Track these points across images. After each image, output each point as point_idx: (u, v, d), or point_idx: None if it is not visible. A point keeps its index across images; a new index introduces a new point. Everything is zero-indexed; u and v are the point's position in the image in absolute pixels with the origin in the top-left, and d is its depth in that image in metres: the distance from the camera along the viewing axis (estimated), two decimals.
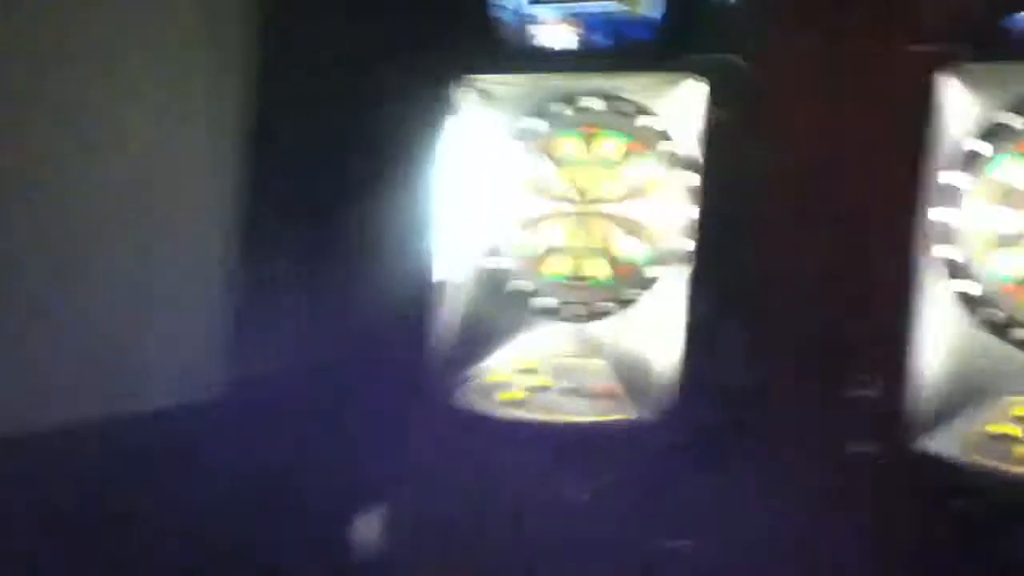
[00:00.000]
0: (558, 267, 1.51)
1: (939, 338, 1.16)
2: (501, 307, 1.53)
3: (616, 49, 1.39)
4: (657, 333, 1.37)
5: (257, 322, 1.64)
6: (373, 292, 1.63)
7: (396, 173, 1.58)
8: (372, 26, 1.57)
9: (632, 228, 1.45)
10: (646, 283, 1.43)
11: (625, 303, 1.44)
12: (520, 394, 1.41)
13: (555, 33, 1.43)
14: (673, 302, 1.36)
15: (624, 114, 1.46)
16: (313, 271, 1.73)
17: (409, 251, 1.56)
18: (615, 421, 1.32)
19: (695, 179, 1.37)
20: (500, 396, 1.42)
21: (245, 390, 1.64)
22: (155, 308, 1.53)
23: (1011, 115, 1.21)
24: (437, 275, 1.54)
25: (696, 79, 1.36)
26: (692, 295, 1.33)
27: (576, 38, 1.42)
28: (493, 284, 1.55)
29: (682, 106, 1.39)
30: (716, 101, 1.35)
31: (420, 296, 1.54)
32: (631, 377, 1.37)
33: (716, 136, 1.35)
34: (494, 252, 1.56)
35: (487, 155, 1.55)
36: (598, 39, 1.39)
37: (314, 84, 1.63)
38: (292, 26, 1.61)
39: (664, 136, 1.42)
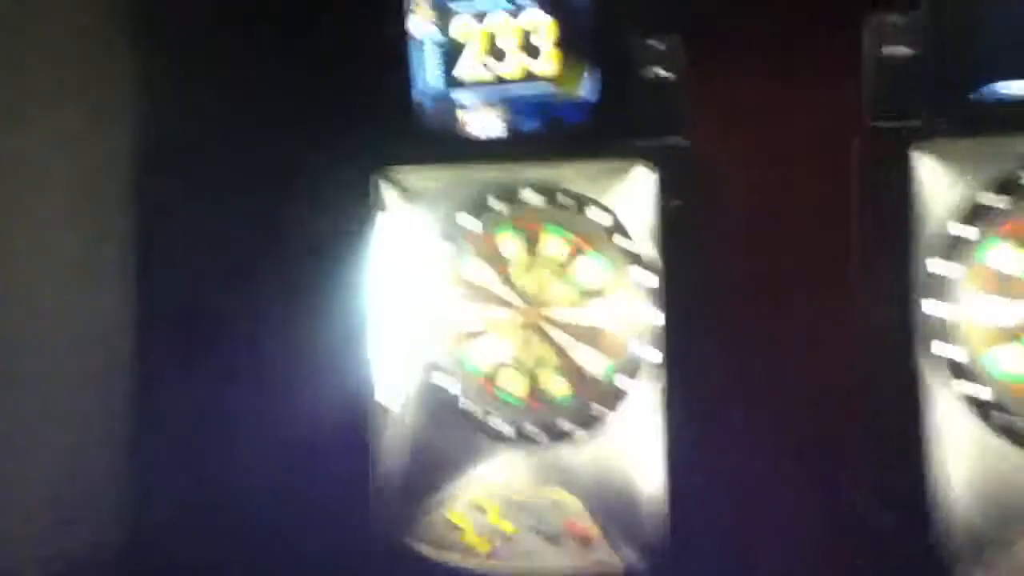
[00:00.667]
0: (510, 384, 1.33)
1: (953, 451, 1.03)
2: (451, 431, 1.34)
3: (549, 135, 1.21)
4: (633, 457, 1.21)
5: (169, 457, 1.39)
6: (304, 416, 1.40)
7: (321, 278, 1.36)
8: (283, 116, 1.35)
9: (590, 336, 1.28)
10: (613, 398, 1.26)
11: (591, 423, 1.27)
12: (480, 540, 1.22)
13: (480, 119, 1.25)
14: (647, 418, 1.19)
15: (565, 208, 1.28)
16: (231, 394, 1.47)
17: (342, 368, 1.35)
18: (599, 572, 1.14)
19: (653, 277, 1.20)
20: (458, 539, 1.23)
21: (156, 534, 1.38)
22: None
23: (992, 195, 1.10)
24: (376, 394, 1.33)
25: (645, 165, 1.20)
26: (668, 408, 1.16)
27: (503, 124, 1.24)
28: (440, 405, 1.35)
29: (631, 196, 1.22)
30: (667, 188, 1.19)
31: (358, 419, 1.33)
32: (609, 513, 1.20)
33: (672, 227, 1.19)
34: (437, 368, 1.36)
35: (419, 256, 1.36)
36: (528, 124, 1.21)
37: (224, 178, 1.38)
38: (192, 114, 1.36)
39: (613, 230, 1.26)
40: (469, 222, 1.35)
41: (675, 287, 1.18)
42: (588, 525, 1.20)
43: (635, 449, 1.21)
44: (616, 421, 1.26)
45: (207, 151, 1.36)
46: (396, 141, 1.26)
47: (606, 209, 1.26)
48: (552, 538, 1.19)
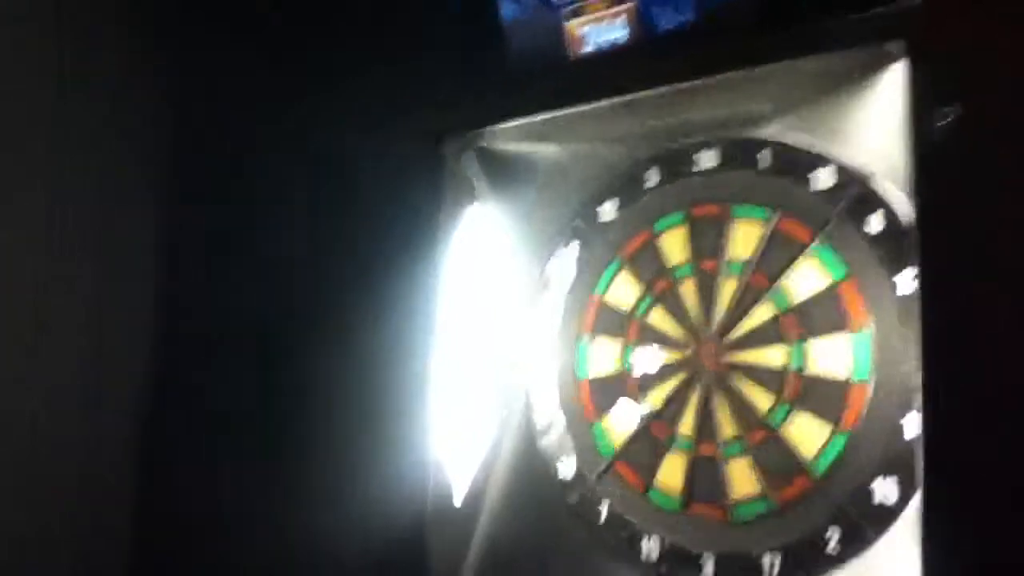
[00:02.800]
0: (672, 477, 0.78)
1: None
2: (556, 548, 0.82)
3: (711, 31, 0.69)
4: None
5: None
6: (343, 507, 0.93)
7: (374, 312, 0.93)
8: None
9: (807, 395, 0.71)
10: (865, 515, 0.66)
11: (813, 558, 0.68)
12: None
13: (599, 25, 0.76)
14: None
15: (769, 171, 0.74)
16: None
17: (397, 433, 0.90)
18: None
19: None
20: None
21: None
22: None
23: None
24: (441, 475, 0.87)
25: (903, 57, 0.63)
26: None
27: (631, 26, 0.74)
28: (541, 502, 0.84)
29: (879, 120, 0.65)
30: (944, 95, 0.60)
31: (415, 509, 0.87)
32: None
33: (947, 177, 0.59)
34: (544, 442, 0.86)
35: (527, 270, 0.89)
36: (673, 18, 0.70)
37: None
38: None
39: (856, 202, 0.69)
40: (608, 212, 0.85)
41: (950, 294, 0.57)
42: None
43: None
44: (860, 564, 0.65)
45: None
46: (480, 86, 0.82)
47: (839, 166, 0.70)
48: None
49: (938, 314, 0.57)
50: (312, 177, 0.88)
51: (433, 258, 0.90)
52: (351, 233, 0.88)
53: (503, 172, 0.87)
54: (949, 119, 0.55)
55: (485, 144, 0.86)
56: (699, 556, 0.75)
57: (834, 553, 0.67)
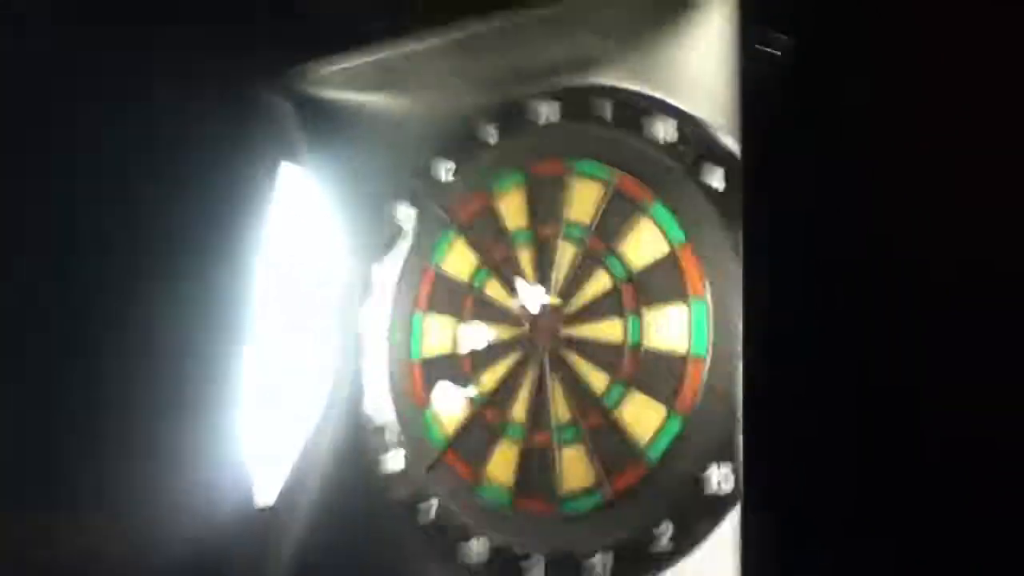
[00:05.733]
0: (501, 469, 0.69)
1: None
2: (382, 550, 0.72)
3: None
4: None
5: None
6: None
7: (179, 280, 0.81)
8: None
9: (643, 372, 0.63)
10: (699, 508, 0.58)
11: (637, 555, 0.60)
12: None
13: None
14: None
15: (609, 122, 0.67)
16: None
17: (202, 425, 0.79)
18: None
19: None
20: None
21: None
22: None
23: None
24: (251, 470, 0.76)
25: None
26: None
27: None
28: (367, 502, 0.74)
29: (719, 67, 0.58)
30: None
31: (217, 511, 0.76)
32: None
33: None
34: (369, 431, 0.76)
35: (351, 236, 0.79)
36: None
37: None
38: None
39: (699, 156, 0.62)
40: (445, 172, 0.76)
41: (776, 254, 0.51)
42: None
43: None
44: (694, 561, 0.58)
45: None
46: (294, 25, 0.72)
47: (680, 117, 0.63)
48: None
49: (760, 277, 0.50)
50: (114, 133, 0.76)
51: (247, 225, 0.79)
52: (157, 194, 0.77)
53: (326, 124, 0.77)
54: (778, 52, 0.48)
55: (304, 91, 0.75)
56: (527, 557, 0.66)
57: (666, 550, 0.59)
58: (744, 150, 0.52)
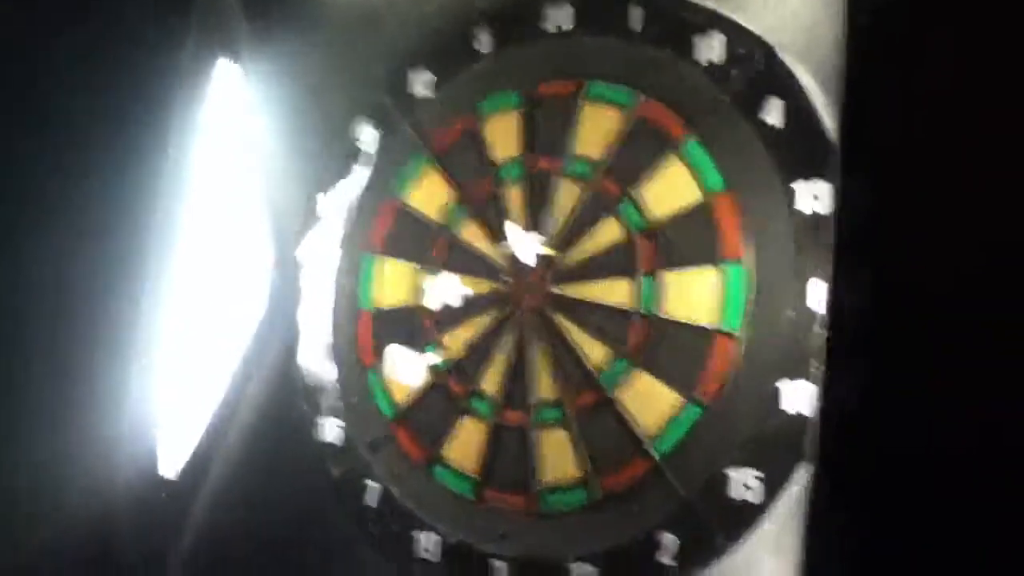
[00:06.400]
0: (463, 451, 0.57)
1: None
2: (306, 531, 0.59)
3: None
4: None
5: None
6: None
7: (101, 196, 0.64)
8: None
9: (656, 346, 0.51)
10: (690, 511, 0.47)
11: (637, 565, 0.49)
12: None
13: None
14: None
15: (636, 41, 0.54)
16: None
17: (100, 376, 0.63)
18: None
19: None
20: None
21: None
22: None
23: None
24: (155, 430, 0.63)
25: None
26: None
27: None
28: (296, 470, 0.61)
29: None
30: None
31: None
32: None
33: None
34: (307, 393, 0.63)
35: (287, 163, 0.65)
36: None
37: None
38: None
39: (746, 87, 0.50)
40: (422, 84, 0.62)
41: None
42: None
43: None
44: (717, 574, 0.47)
45: None
46: None
47: (732, 33, 0.51)
48: None
49: (860, 239, 0.38)
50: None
51: (170, 131, 0.63)
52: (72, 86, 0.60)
53: (276, 16, 0.62)
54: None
55: None
56: (490, 559, 0.54)
57: (671, 564, 0.48)
58: (848, 80, 0.40)
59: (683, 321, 0.50)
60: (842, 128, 0.42)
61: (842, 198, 0.40)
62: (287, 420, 0.64)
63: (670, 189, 0.52)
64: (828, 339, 0.39)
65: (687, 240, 0.51)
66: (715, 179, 0.50)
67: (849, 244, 0.39)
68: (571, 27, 0.56)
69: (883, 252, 0.38)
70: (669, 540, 0.49)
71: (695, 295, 0.50)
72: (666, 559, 0.48)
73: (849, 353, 0.38)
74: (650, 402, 0.51)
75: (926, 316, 0.36)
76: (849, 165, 0.40)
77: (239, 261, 0.67)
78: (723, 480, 0.48)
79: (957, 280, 0.36)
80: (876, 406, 0.37)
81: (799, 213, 0.47)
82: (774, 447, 0.46)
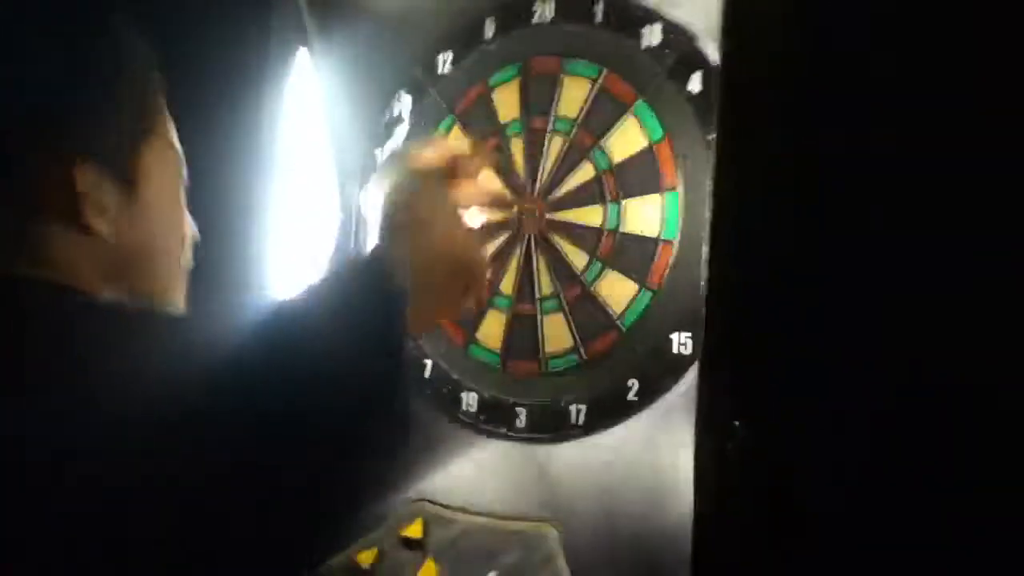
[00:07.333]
0: (496, 333, 0.79)
1: None
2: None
3: None
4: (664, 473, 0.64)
5: None
6: None
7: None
8: None
9: (618, 252, 0.72)
10: (645, 365, 0.69)
11: (613, 408, 0.71)
12: None
13: None
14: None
15: (602, 26, 0.73)
16: None
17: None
18: None
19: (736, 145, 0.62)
20: None
21: None
22: None
23: None
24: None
25: None
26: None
27: None
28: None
29: None
30: None
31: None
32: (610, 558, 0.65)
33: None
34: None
35: (354, 123, 0.86)
36: None
37: None
38: None
39: (680, 62, 0.69)
40: (445, 64, 0.82)
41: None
42: None
43: (671, 460, 0.65)
44: (656, 411, 0.69)
45: None
46: None
47: (666, 23, 0.69)
48: None
49: (730, 174, 0.58)
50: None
51: (262, 104, 0.84)
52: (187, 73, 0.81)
53: (337, 16, 0.82)
54: None
55: None
56: (515, 407, 0.77)
57: (633, 401, 0.71)
58: (724, 57, 0.59)
59: (638, 234, 0.71)
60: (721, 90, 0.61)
61: (720, 142, 0.60)
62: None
63: (626, 139, 0.72)
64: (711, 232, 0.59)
65: (639, 176, 0.71)
66: (657, 131, 0.70)
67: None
68: (551, 17, 0.75)
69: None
70: (633, 384, 0.71)
71: (645, 215, 0.71)
72: (631, 397, 0.71)
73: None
74: (617, 291, 0.72)
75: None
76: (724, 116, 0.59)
77: (314, 200, 0.89)
78: (667, 342, 0.69)
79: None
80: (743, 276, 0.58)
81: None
82: (699, 317, 0.67)
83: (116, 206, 0.50)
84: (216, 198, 0.81)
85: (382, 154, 0.85)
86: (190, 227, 0.58)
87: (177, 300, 0.56)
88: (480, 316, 0.80)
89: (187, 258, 0.57)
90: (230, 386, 0.44)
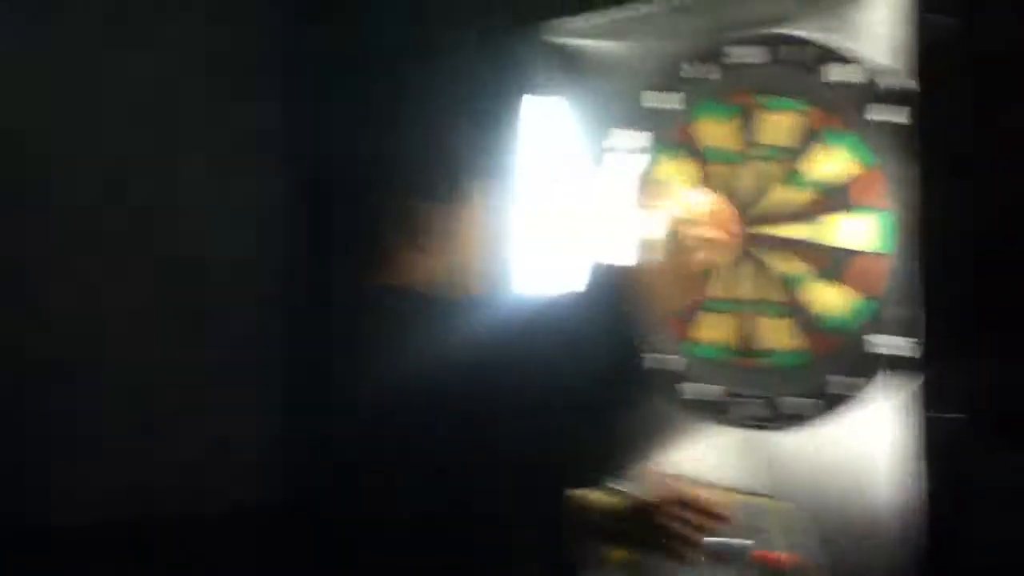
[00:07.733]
0: (711, 330, 0.92)
1: None
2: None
3: None
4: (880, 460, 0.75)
5: None
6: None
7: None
8: None
9: (832, 265, 0.82)
10: (866, 364, 0.79)
11: (826, 401, 0.82)
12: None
13: None
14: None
15: (793, 64, 0.82)
16: None
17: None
18: None
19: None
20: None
21: None
22: None
23: None
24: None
25: None
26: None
27: None
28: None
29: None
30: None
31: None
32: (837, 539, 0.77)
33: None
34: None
35: (586, 153, 1.00)
36: None
37: None
38: None
39: (869, 94, 0.77)
40: (656, 100, 0.93)
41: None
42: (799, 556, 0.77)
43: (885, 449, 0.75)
44: (868, 402, 0.79)
45: None
46: None
47: (854, 60, 0.77)
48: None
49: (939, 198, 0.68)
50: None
51: (505, 141, 1.00)
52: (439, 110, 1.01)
53: (564, 64, 0.96)
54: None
55: (548, 40, 0.94)
56: (735, 397, 0.89)
57: (850, 396, 0.80)
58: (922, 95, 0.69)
59: (855, 248, 0.80)
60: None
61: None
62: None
63: (834, 164, 0.81)
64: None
65: (847, 197, 0.80)
66: (868, 157, 0.79)
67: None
68: (752, 61, 0.85)
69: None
70: (843, 382, 0.81)
71: (860, 231, 0.80)
72: (846, 393, 0.81)
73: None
74: (835, 299, 0.82)
75: None
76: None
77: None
78: (881, 345, 0.78)
79: None
80: None
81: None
82: (913, 322, 0.76)
83: (442, 234, 0.75)
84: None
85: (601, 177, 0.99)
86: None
87: (481, 296, 0.79)
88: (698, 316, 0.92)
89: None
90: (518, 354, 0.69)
